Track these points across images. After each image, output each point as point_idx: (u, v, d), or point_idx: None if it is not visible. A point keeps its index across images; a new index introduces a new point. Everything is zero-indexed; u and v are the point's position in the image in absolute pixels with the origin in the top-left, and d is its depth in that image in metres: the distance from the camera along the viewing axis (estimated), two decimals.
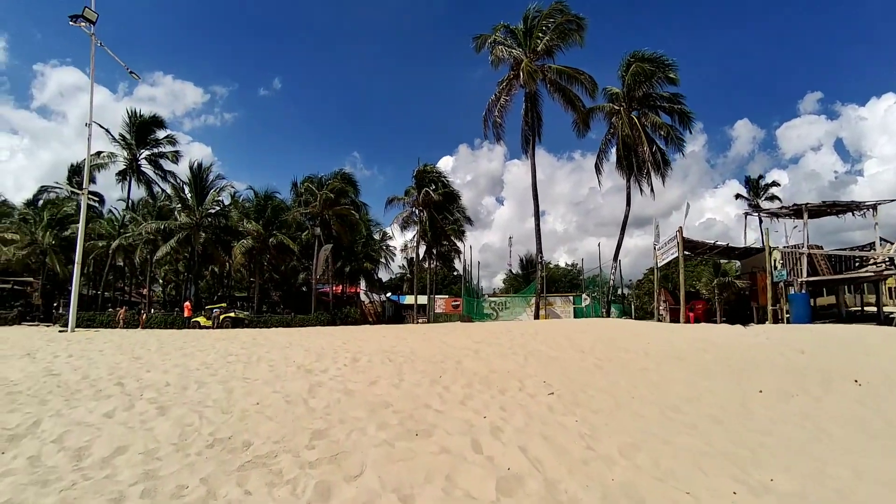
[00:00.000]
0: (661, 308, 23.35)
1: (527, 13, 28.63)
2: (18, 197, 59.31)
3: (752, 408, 5.74)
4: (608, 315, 29.72)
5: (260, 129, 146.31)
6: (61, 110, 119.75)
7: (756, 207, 48.27)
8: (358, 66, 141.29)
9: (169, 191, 37.43)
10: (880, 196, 53.32)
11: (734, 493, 3.41)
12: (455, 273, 50.10)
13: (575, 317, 32.19)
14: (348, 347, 11.45)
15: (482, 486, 3.49)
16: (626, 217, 31.13)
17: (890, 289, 37.51)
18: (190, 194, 33.93)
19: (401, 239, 44.91)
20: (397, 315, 45.18)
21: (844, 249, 20.77)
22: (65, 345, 12.70)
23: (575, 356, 9.31)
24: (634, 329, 15.68)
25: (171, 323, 29.03)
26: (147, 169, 38.66)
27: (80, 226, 23.91)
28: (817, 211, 20.68)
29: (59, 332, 20.33)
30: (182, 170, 37.69)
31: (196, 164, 34.54)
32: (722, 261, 25.32)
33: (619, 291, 33.00)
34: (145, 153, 38.25)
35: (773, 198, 49.53)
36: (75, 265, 23.49)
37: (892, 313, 21.87)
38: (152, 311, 35.68)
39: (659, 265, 23.80)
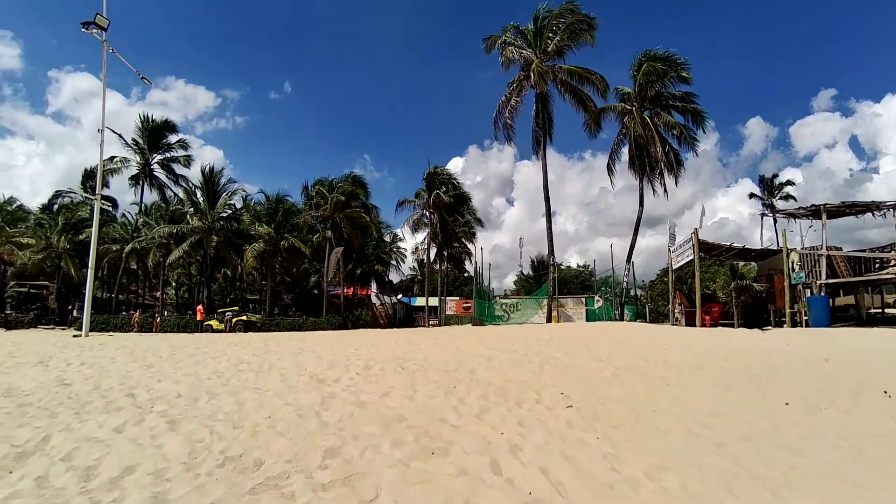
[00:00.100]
0: (676, 311, 23.00)
1: (537, 13, 28.41)
2: (35, 201, 59.98)
3: (779, 423, 5.53)
4: (621, 317, 29.36)
5: (271, 132, 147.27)
6: (76, 115, 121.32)
7: (771, 207, 47.61)
8: (367, 69, 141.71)
9: (181, 195, 37.68)
10: None
11: None
12: (466, 274, 49.95)
13: (587, 319, 31.85)
14: (360, 354, 11.34)
15: None
16: (639, 218, 30.78)
17: None
18: (202, 198, 34.12)
19: (412, 241, 44.89)
20: (408, 317, 45.10)
21: (864, 251, 20.32)
22: (78, 351, 12.71)
23: (591, 364, 9.12)
24: (650, 334, 15.43)
25: (183, 326, 29.20)
26: (159, 173, 39.00)
27: (94, 231, 24.07)
28: (836, 211, 20.25)
29: (74, 336, 20.44)
30: (194, 174, 37.97)
31: (208, 168, 34.76)
32: (738, 263, 24.91)
33: (632, 293, 32.61)
34: (158, 158, 38.57)
35: (787, 197, 48.84)
36: (89, 270, 23.65)
37: None
38: (165, 313, 35.95)
39: (674, 268, 23.46)
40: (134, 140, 37.90)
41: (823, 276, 18.78)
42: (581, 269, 56.54)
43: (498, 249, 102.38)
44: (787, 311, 18.66)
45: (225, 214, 34.74)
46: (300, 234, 34.90)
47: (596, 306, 32.52)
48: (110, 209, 41.44)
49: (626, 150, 31.57)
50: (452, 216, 37.87)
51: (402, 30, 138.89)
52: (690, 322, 21.21)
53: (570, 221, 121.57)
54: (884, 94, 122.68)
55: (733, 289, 18.96)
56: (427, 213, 36.14)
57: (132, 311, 34.71)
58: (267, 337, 19.77)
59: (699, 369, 8.81)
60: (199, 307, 30.54)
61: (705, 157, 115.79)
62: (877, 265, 19.04)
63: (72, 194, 39.21)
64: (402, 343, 14.11)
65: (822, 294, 18.89)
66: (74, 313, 34.56)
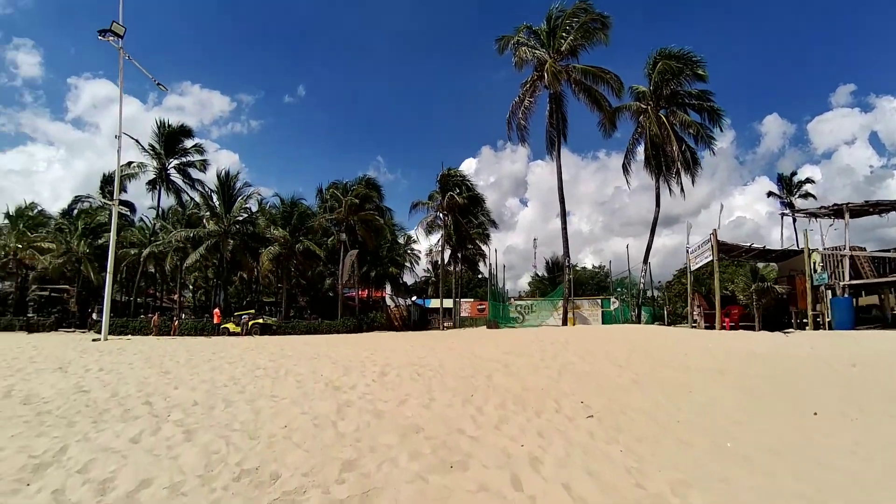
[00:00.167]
0: (694, 313, 22.63)
1: (550, 13, 28.22)
2: (55, 206, 61.20)
3: (809, 434, 5.34)
4: (639, 319, 29.00)
5: (285, 135, 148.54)
6: (94, 121, 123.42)
7: (789, 205, 46.75)
8: (380, 71, 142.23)
9: (198, 199, 38.08)
10: None
11: None
12: (480, 276, 49.82)
13: (603, 320, 31.51)
14: (375, 359, 11.28)
15: None
16: (656, 218, 30.38)
17: None
18: (218, 202, 34.46)
19: (426, 243, 44.92)
20: (423, 319, 45.04)
21: (889, 250, 19.80)
22: (96, 356, 12.83)
23: (610, 370, 8.95)
24: (669, 337, 15.20)
25: (201, 329, 29.47)
26: (176, 178, 39.41)
27: (112, 235, 24.38)
28: (859, 211, 19.80)
29: (93, 340, 20.70)
30: (210, 178, 38.36)
31: (224, 172, 35.11)
32: (758, 263, 24.46)
33: (649, 293, 32.19)
34: (174, 162, 38.99)
35: (806, 195, 47.94)
36: (107, 274, 23.95)
37: None
38: (183, 316, 36.33)
39: (692, 269, 23.10)
40: (151, 145, 38.39)
41: (847, 277, 18.35)
42: (597, 269, 56.11)
43: (512, 250, 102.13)
44: (810, 313, 18.26)
45: (241, 218, 35.05)
46: (315, 236, 35.07)
47: (612, 308, 32.16)
48: (128, 214, 42.00)
49: (641, 149, 31.25)
50: (466, 218, 37.80)
51: (415, 32, 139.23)
52: (710, 324, 20.85)
53: (584, 221, 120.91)
54: None
55: (754, 291, 18.57)
56: (441, 214, 36.11)
57: (150, 315, 35.16)
58: (283, 341, 19.85)
59: (721, 375, 8.60)
60: (216, 310, 30.80)
61: (721, 155, 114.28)
62: None
63: (91, 199, 39.84)
64: (417, 347, 14.03)
65: (846, 295, 18.45)
66: (94, 316, 35.07)
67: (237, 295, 46.91)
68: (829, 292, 19.11)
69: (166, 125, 39.01)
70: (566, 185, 28.40)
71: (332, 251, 35.74)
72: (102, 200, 36.64)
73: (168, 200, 40.29)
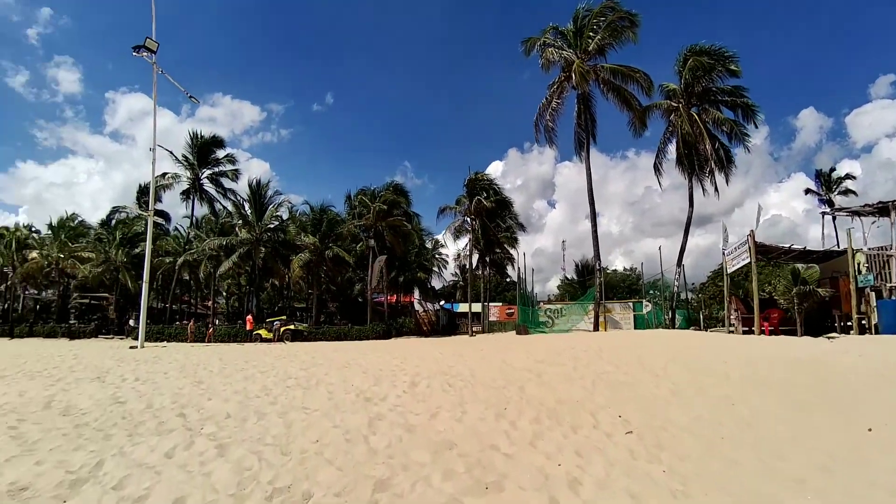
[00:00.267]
0: (732, 317, 21.92)
1: (576, 13, 27.83)
2: (95, 217, 63.48)
3: (865, 453, 5.02)
4: (673, 323, 28.29)
5: (314, 143, 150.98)
6: (131, 134, 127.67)
7: (829, 203, 45.08)
8: (405, 76, 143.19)
9: (230, 208, 38.89)
10: None
11: None
12: (508, 279, 49.52)
13: (636, 324, 30.83)
14: (405, 368, 11.21)
15: None
16: (690, 219, 29.64)
17: None
18: (250, 211, 35.12)
19: (453, 248, 44.85)
20: (451, 324, 44.99)
21: None
22: (133, 366, 13.10)
23: (647, 380, 8.66)
24: (706, 343, 14.70)
25: (234, 335, 30.02)
26: (209, 187, 40.37)
27: (147, 245, 24.99)
28: None
29: (130, 348, 21.22)
30: (242, 187, 39.16)
31: (255, 181, 35.82)
32: (799, 265, 23.60)
33: (683, 296, 31.36)
34: (207, 172, 39.92)
35: (847, 192, 46.12)
36: (143, 283, 24.55)
37: None
38: (216, 322, 37.08)
39: (729, 272, 22.40)
40: (184, 156, 39.42)
41: (894, 279, 17.50)
42: (628, 272, 55.14)
43: (540, 253, 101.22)
44: (855, 316, 17.47)
45: (272, 226, 35.64)
46: (344, 243, 35.38)
47: (645, 311, 31.44)
48: (163, 223, 43.22)
49: (672, 148, 30.58)
50: (494, 222, 37.63)
51: (440, 37, 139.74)
52: (748, 329, 20.16)
53: (614, 222, 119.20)
54: None
55: (795, 294, 17.87)
56: (468, 219, 36.01)
57: (185, 321, 35.99)
58: (313, 347, 20.00)
59: (765, 386, 8.23)
60: (249, 317, 31.34)
61: (755, 152, 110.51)
62: None
63: (128, 210, 41.07)
64: (447, 355, 13.91)
65: (893, 297, 17.59)
66: (131, 323, 36.10)
67: (269, 301, 47.65)
68: (875, 294, 18.26)
69: (199, 136, 40.00)
70: (595, 186, 27.95)
71: (360, 257, 36.00)
72: (138, 211, 37.74)
73: (201, 210, 41.36)
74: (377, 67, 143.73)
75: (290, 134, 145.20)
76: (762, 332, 18.70)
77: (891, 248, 17.98)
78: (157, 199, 36.64)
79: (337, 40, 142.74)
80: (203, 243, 34.98)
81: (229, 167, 40.89)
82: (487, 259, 40.06)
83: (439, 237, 46.61)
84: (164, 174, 37.91)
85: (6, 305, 43.84)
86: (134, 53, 25.57)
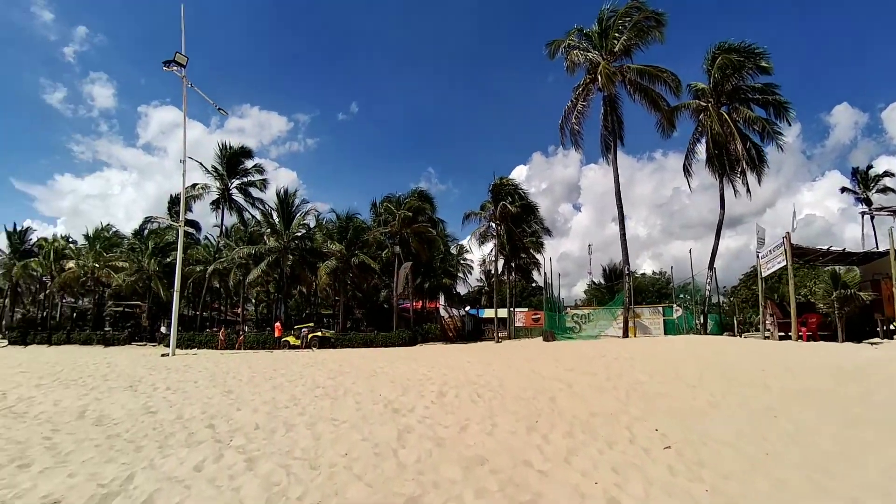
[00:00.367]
0: (767, 322, 21.22)
1: (601, 14, 27.52)
2: (128, 227, 65.35)
3: None
4: (705, 328, 27.57)
5: (340, 151, 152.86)
6: (163, 146, 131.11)
7: (866, 201, 43.48)
8: (428, 82, 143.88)
9: (258, 217, 39.51)
10: None
11: None
12: (534, 284, 49.04)
13: (665, 329, 30.22)
14: (433, 377, 11.10)
15: None
16: (721, 221, 28.93)
17: None
18: (278, 219, 35.61)
19: (478, 253, 44.69)
20: (477, 329, 44.72)
21: None
22: (164, 374, 13.30)
23: (683, 391, 8.37)
24: (742, 351, 14.25)
25: (263, 342, 30.40)
26: (238, 197, 41.06)
27: (178, 254, 25.50)
28: None
29: (162, 356, 21.62)
30: (270, 196, 39.79)
31: (282, 190, 36.30)
32: (837, 267, 22.74)
33: (714, 300, 30.54)
34: (236, 182, 40.64)
35: (885, 189, 44.37)
36: (175, 292, 25.02)
37: None
38: (246, 328, 37.62)
39: (764, 275, 21.71)
40: (214, 167, 40.20)
41: None
42: (657, 276, 54.11)
43: (566, 257, 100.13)
44: None
45: (299, 234, 36.04)
46: (370, 250, 35.56)
47: (675, 316, 30.78)
48: (194, 233, 44.12)
49: (702, 148, 29.94)
50: (519, 227, 37.36)
51: (461, 43, 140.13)
52: (783, 334, 19.48)
53: (641, 225, 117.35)
54: None
55: (836, 298, 17.19)
56: (493, 224, 35.82)
57: (215, 329, 36.58)
58: (340, 355, 20.04)
59: (808, 396, 7.86)
60: (277, 324, 31.67)
61: (787, 150, 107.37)
62: None
63: (160, 220, 42.00)
64: (474, 363, 13.75)
65: None
66: (163, 330, 36.85)
67: (297, 308, 48.16)
68: None
69: (228, 147, 40.79)
70: (622, 188, 27.45)
71: (386, 264, 36.12)
72: (170, 221, 38.58)
73: (231, 219, 42.09)
74: (400, 76, 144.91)
75: (316, 143, 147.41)
76: (799, 337, 18.05)
77: None
78: (188, 209, 37.46)
79: (361, 50, 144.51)
80: (232, 252, 35.58)
81: (257, 177, 41.60)
82: (513, 264, 39.76)
83: (464, 242, 46.51)
84: (194, 185, 38.73)
85: (45, 313, 45.30)
86: (164, 68, 26.23)
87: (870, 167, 46.34)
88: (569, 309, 36.47)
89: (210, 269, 36.16)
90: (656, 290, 49.24)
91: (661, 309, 32.23)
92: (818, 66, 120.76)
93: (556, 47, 28.49)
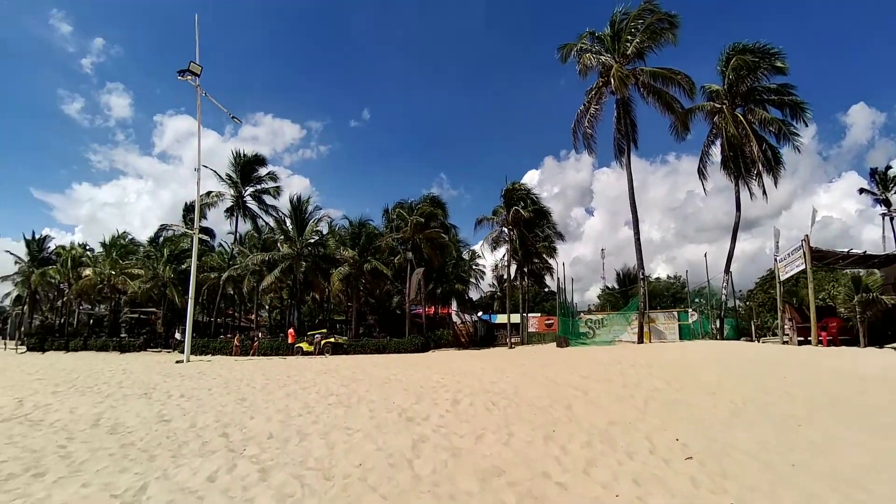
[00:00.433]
0: (786, 326, 20.79)
1: (613, 17, 27.34)
2: (144, 234, 66.17)
3: None
4: (721, 333, 27.14)
5: (352, 158, 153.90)
6: (178, 154, 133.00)
7: (885, 202, 42.64)
8: (438, 89, 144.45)
9: (272, 224, 39.74)
10: None
11: None
12: (546, 289, 48.75)
13: (681, 334, 29.74)
14: (447, 384, 11.00)
15: None
16: (737, 224, 28.50)
17: None
18: (291, 226, 35.79)
19: (491, 258, 44.46)
20: (489, 335, 44.49)
21: None
22: (178, 381, 13.34)
23: (703, 399, 8.18)
24: (762, 356, 13.98)
25: (276, 348, 30.49)
26: (252, 204, 41.40)
27: (193, 262, 25.68)
28: None
29: (176, 362, 21.73)
30: (283, 203, 40.04)
31: (296, 197, 36.50)
32: (859, 271, 22.25)
33: (731, 304, 30.06)
34: (250, 190, 40.97)
35: None
36: (189, 299, 25.18)
37: None
38: (260, 335, 37.81)
39: (781, 279, 21.30)
40: (228, 175, 40.58)
41: None
42: (671, 280, 53.52)
43: (578, 261, 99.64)
44: None
45: (312, 241, 36.15)
46: (382, 256, 35.55)
47: (690, 321, 30.33)
48: (208, 240, 44.49)
49: (716, 151, 29.58)
50: (532, 232, 37.17)
51: (472, 48, 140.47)
52: (803, 339, 19.07)
53: (655, 228, 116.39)
54: None
55: (858, 303, 16.80)
56: (506, 229, 35.66)
57: (229, 335, 36.82)
58: (353, 362, 19.99)
59: (834, 405, 7.64)
60: (291, 330, 31.77)
61: (803, 151, 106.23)
62: None
63: (175, 228, 42.46)
64: (487, 370, 13.62)
65: None
66: (177, 336, 37.15)
67: (310, 314, 48.25)
68: None
69: (242, 155, 41.15)
70: (636, 192, 27.17)
71: (398, 270, 36.07)
72: (185, 228, 38.96)
73: (245, 226, 42.40)
74: (412, 82, 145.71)
75: (328, 150, 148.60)
76: (819, 342, 17.66)
77: None
78: (203, 216, 37.82)
79: (372, 57, 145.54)
80: (246, 259, 35.81)
81: (271, 184, 41.91)
82: (525, 269, 39.52)
83: (476, 248, 46.36)
84: (208, 193, 39.10)
85: (63, 320, 45.95)
86: (179, 77, 26.51)
87: (889, 167, 45.37)
88: (582, 314, 36.11)
89: (224, 275, 36.40)
90: (671, 295, 48.71)
91: (675, 313, 31.76)
92: (833, 65, 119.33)
93: (568, 51, 28.34)
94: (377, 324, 42.84)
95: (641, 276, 28.06)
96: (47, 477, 5.32)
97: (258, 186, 41.56)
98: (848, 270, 24.28)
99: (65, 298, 44.58)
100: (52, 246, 49.00)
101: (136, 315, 42.24)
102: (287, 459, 5.78)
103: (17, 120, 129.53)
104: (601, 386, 9.66)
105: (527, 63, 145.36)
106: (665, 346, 21.47)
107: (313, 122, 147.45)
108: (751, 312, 31.96)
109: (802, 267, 18.68)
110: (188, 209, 41.69)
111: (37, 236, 48.01)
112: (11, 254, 48.10)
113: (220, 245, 45.01)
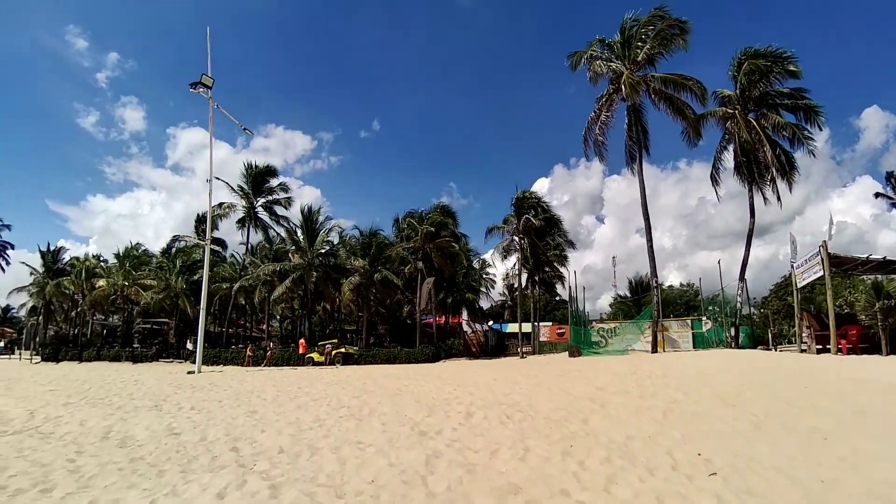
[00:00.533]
0: (804, 334, 20.40)
1: (623, 24, 27.28)
2: (157, 245, 66.89)
3: None
4: (737, 341, 26.70)
5: (363, 168, 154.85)
6: (190, 166, 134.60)
7: None
8: (448, 99, 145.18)
9: (283, 234, 39.92)
10: None
11: None
12: (558, 298, 48.39)
13: (694, 343, 29.31)
14: (459, 396, 10.83)
15: None
16: (751, 231, 28.18)
17: None
18: (302, 236, 35.91)
19: (501, 267, 44.30)
20: (500, 344, 44.19)
21: None
22: (189, 393, 13.29)
23: (723, 411, 7.95)
24: (781, 366, 13.66)
25: (288, 359, 30.49)
26: (263, 215, 41.66)
27: (205, 273, 25.77)
28: None
29: (188, 373, 21.75)
30: (294, 213, 40.23)
31: (307, 207, 36.65)
32: (877, 276, 21.83)
33: (745, 311, 29.57)
34: (261, 201, 41.24)
35: None
36: (201, 310, 25.24)
37: None
38: (271, 344, 37.85)
39: (799, 286, 20.93)
40: (240, 186, 40.91)
41: None
42: (685, 287, 52.95)
43: (589, 270, 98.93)
44: None
45: (323, 251, 36.25)
46: (392, 265, 35.53)
47: (704, 329, 29.90)
48: (220, 250, 44.79)
49: (729, 156, 29.29)
50: (543, 240, 36.98)
51: (481, 58, 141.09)
52: (822, 347, 18.67)
53: (667, 236, 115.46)
54: None
55: (878, 310, 16.42)
56: (516, 238, 35.50)
57: (240, 346, 36.89)
58: (364, 373, 19.87)
59: (861, 417, 7.38)
60: (301, 340, 31.77)
61: (816, 156, 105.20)
62: None
63: (187, 238, 42.80)
64: (500, 381, 13.43)
65: None
66: (189, 346, 37.31)
67: (321, 324, 48.30)
68: None
69: (253, 166, 41.50)
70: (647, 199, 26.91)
71: (409, 279, 36.03)
72: (197, 239, 39.24)
73: (256, 237, 42.65)
74: (421, 92, 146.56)
75: (339, 161, 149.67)
76: (839, 350, 17.27)
77: None
78: (214, 227, 38.14)
79: (382, 67, 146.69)
80: (258, 269, 35.94)
81: (282, 195, 42.17)
82: (536, 278, 39.28)
83: (486, 257, 46.20)
84: (220, 204, 39.40)
85: (76, 330, 46.35)
86: (191, 90, 26.77)
87: None
88: (594, 323, 35.75)
89: (236, 286, 36.55)
90: (684, 303, 48.18)
91: (689, 322, 31.35)
92: (845, 68, 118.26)
93: (578, 58, 28.30)
94: (388, 334, 42.77)
95: (655, 284, 27.72)
96: (55, 493, 5.24)
97: (269, 197, 41.84)
98: (865, 277, 23.85)
99: (79, 309, 44.96)
100: (66, 257, 49.63)
101: (148, 325, 42.53)
102: (298, 475, 5.65)
103: (34, 133, 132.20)
104: (618, 398, 9.45)
105: (535, 71, 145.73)
106: (680, 356, 21.13)
107: (324, 133, 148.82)
108: (766, 320, 31.47)
109: (820, 273, 18.34)
110: (200, 220, 42.04)
111: (52, 248, 48.64)
112: (27, 265, 48.72)
113: (232, 255, 45.32)
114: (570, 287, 35.19)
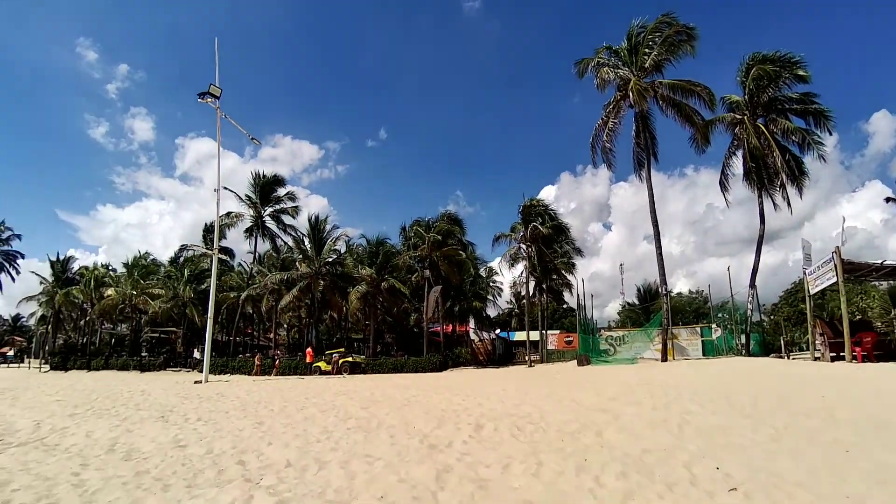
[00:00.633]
0: (818, 342, 20.08)
1: (630, 31, 27.19)
2: (165, 255, 67.23)
3: None
4: (747, 349, 26.34)
5: (369, 177, 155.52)
6: (199, 176, 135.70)
7: None
8: (453, 107, 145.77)
9: (290, 243, 39.93)
10: None
11: None
12: (565, 306, 48.12)
13: (704, 350, 28.96)
14: (469, 407, 10.66)
15: None
16: (762, 237, 27.82)
17: None
18: (309, 245, 35.94)
19: (508, 275, 44.10)
20: (507, 353, 43.97)
21: None
22: (196, 403, 13.21)
23: (740, 423, 7.75)
24: (795, 374, 13.40)
25: (295, 367, 30.44)
26: (271, 224, 41.68)
27: (212, 284, 25.76)
28: None
29: (195, 382, 21.68)
30: (301, 222, 40.25)
31: (314, 216, 36.76)
32: (891, 282, 21.49)
33: (756, 318, 29.20)
34: (269, 210, 41.26)
35: None
36: (208, 320, 25.22)
37: None
38: (279, 352, 37.82)
39: (812, 293, 20.63)
40: (247, 195, 40.99)
41: None
42: (694, 294, 52.51)
43: (596, 277, 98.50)
44: None
45: (330, 259, 36.27)
46: (399, 274, 35.49)
47: (714, 336, 29.55)
48: (228, 260, 44.88)
49: (738, 162, 29.09)
50: (550, 248, 36.81)
51: (487, 66, 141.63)
52: (836, 355, 18.34)
53: (675, 243, 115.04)
54: None
55: (894, 317, 16.13)
56: (524, 246, 35.36)
57: (248, 355, 36.87)
58: (372, 383, 19.73)
59: (882, 429, 7.16)
60: (308, 349, 31.69)
61: (826, 160, 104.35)
62: None
63: (195, 247, 42.94)
64: (510, 392, 13.26)
65: None
66: (196, 355, 37.31)
67: (328, 333, 48.25)
68: None
69: (261, 176, 41.59)
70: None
71: (416, 288, 35.94)
72: (204, 248, 39.35)
73: (264, 246, 42.68)
74: (428, 100, 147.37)
75: (346, 170, 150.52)
76: (854, 358, 16.96)
77: None
78: (222, 236, 38.18)
79: (389, 77, 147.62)
80: (265, 278, 35.99)
81: (290, 204, 42.21)
82: (544, 286, 39.09)
83: (493, 265, 46.07)
84: (228, 213, 39.52)
85: (85, 339, 46.55)
86: (199, 100, 26.90)
87: None
88: (603, 331, 35.44)
89: (243, 295, 36.60)
90: (693, 310, 47.75)
91: (698, 329, 31.00)
92: (854, 72, 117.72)
93: (585, 66, 28.23)
94: (395, 342, 42.62)
95: (664, 292, 27.44)
96: None
97: (277, 206, 41.90)
98: (876, 283, 23.50)
99: (87, 318, 45.20)
100: (75, 266, 49.97)
101: (156, 334, 42.65)
102: (305, 490, 5.51)
103: (45, 144, 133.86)
104: (631, 409, 9.25)
105: (541, 80, 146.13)
106: (692, 364, 20.86)
107: (331, 143, 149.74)
108: (776, 327, 31.08)
109: (834, 280, 18.07)
110: (208, 229, 42.18)
111: (61, 257, 48.99)
112: (37, 274, 49.13)
113: (240, 265, 45.46)
114: (578, 295, 34.99)
